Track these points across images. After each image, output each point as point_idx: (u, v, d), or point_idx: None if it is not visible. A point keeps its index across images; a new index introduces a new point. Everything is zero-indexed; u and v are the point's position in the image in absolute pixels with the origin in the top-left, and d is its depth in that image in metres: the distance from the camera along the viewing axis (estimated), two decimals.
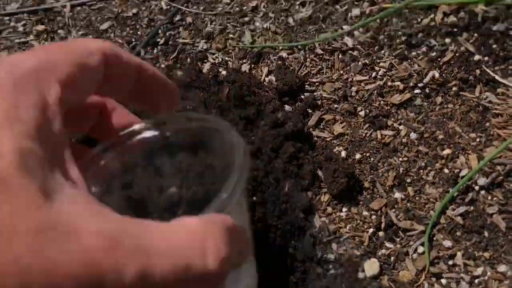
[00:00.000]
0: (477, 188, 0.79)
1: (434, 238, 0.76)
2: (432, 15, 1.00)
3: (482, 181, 0.79)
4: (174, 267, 0.24)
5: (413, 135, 0.86)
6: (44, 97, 0.26)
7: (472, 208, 0.78)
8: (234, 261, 0.26)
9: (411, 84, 0.91)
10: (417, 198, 0.80)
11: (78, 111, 0.34)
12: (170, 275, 0.23)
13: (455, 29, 0.97)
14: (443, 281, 0.73)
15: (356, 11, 1.04)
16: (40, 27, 1.17)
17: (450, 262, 0.74)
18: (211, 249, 0.25)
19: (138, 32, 1.11)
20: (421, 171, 0.82)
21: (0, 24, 1.21)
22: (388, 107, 0.90)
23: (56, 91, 0.27)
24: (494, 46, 0.94)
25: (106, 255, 0.22)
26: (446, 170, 0.82)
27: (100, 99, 0.37)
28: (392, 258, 0.75)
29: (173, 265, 0.24)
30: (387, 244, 0.76)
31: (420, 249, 0.75)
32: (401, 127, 0.87)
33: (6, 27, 1.20)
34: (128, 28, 1.12)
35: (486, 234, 0.76)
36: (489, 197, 0.78)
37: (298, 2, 1.09)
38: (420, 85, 0.91)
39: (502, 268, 0.73)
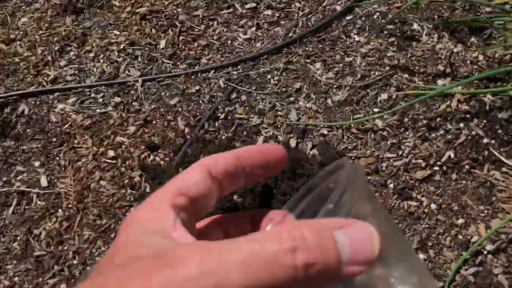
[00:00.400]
0: (485, 252, 0.99)
1: None
2: (448, 102, 1.21)
3: (489, 247, 0.99)
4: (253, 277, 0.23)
5: (433, 206, 1.06)
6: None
7: (481, 268, 0.97)
8: (330, 266, 0.24)
9: (431, 162, 1.12)
10: (436, 259, 1.00)
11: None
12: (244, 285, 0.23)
13: (467, 115, 1.18)
14: None
15: (384, 96, 1.26)
16: (117, 99, 1.40)
17: None
18: (298, 252, 0.23)
19: (201, 107, 1.34)
20: (440, 236, 1.02)
21: (81, 95, 1.44)
22: (413, 181, 1.10)
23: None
24: (500, 131, 1.14)
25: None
26: (460, 236, 1.01)
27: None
28: None
29: (251, 274, 0.23)
30: None
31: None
32: (423, 198, 1.07)
33: (87, 97, 1.43)
34: (192, 103, 1.35)
35: None
36: (495, 260, 0.98)
37: (335, 86, 1.31)
38: (438, 163, 1.12)
39: None
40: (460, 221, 1.03)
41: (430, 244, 1.01)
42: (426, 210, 1.06)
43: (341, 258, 0.24)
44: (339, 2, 1.49)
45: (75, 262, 1.15)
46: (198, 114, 1.32)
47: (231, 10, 1.57)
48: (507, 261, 0.97)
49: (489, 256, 0.98)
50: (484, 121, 1.17)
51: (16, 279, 1.14)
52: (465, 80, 1.21)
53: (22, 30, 1.67)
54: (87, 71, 1.50)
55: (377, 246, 0.26)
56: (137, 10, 1.62)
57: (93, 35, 1.59)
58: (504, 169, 1.09)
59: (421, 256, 1.00)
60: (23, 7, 1.75)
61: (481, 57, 1.27)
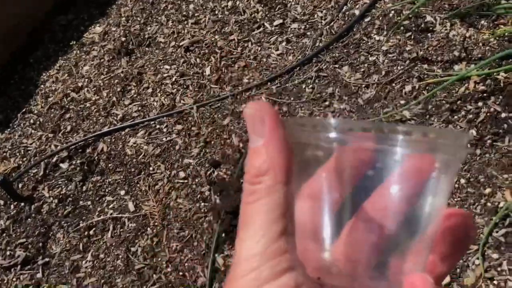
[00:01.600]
0: None
1: (485, 253, 1.12)
2: (466, 85, 1.36)
3: None
4: None
5: (462, 181, 1.22)
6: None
7: (510, 229, 1.13)
8: None
9: None
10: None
11: None
12: None
13: (484, 94, 1.33)
14: (495, 282, 1.08)
15: (408, 87, 1.41)
16: (179, 127, 1.63)
17: (499, 269, 1.10)
18: None
19: None
20: (471, 206, 1.18)
21: (148, 127, 1.68)
22: None
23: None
24: None
25: None
26: (489, 204, 1.17)
27: None
28: (458, 270, 1.11)
29: None
30: None
31: (477, 262, 1.11)
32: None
33: (153, 129, 1.67)
34: (242, 121, 1.55)
35: None
36: None
37: (363, 85, 1.48)
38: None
39: None
40: (488, 190, 1.19)
41: None
42: (456, 185, 1.22)
43: None
44: (357, 6, 1.65)
45: (169, 269, 1.39)
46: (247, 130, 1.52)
47: (261, 29, 1.76)
48: None
49: None
50: (500, 97, 1.31)
51: None
52: (483, 62, 1.35)
53: (86, 77, 1.93)
54: (148, 105, 1.74)
55: None
56: (181, 44, 1.85)
57: (147, 72, 1.83)
58: None
59: None
60: (83, 56, 2.01)
61: (491, 38, 1.40)
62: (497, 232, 1.13)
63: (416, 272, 0.30)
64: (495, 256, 1.11)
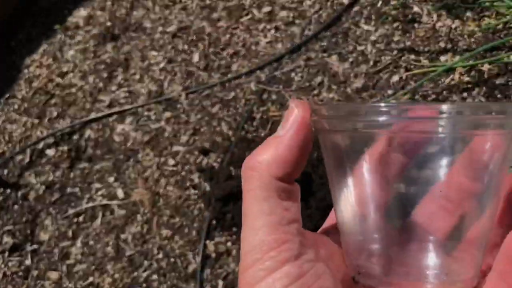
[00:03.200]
0: None
1: None
2: (452, 76, 1.39)
3: None
4: None
5: None
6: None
7: None
8: None
9: None
10: None
11: None
12: None
13: (469, 85, 1.36)
14: None
15: (396, 78, 1.44)
16: (167, 114, 1.63)
17: None
18: None
19: (239, 110, 1.55)
20: None
21: (136, 114, 1.68)
22: None
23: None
24: (499, 95, 1.32)
25: None
26: None
27: None
28: None
29: None
30: None
31: None
32: None
33: (141, 116, 1.67)
34: (231, 108, 1.57)
35: None
36: None
37: (352, 75, 1.50)
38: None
39: None
40: None
41: None
42: None
43: None
44: None
45: (160, 256, 1.41)
46: (237, 117, 1.54)
47: (249, 16, 1.76)
48: None
49: None
50: (484, 88, 1.34)
51: (116, 275, 1.41)
52: (468, 54, 1.38)
53: (72, 62, 1.91)
54: (136, 92, 1.73)
55: None
56: (168, 30, 1.84)
57: (134, 58, 1.82)
58: None
59: None
60: (68, 41, 1.99)
61: (477, 30, 1.44)
62: None
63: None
64: None
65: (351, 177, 0.32)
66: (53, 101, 1.83)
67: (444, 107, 0.28)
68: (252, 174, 0.32)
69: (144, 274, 1.40)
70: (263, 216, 0.32)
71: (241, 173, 0.34)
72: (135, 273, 1.40)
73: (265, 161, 0.32)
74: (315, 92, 1.51)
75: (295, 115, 0.33)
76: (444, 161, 0.29)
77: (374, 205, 0.31)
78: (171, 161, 1.54)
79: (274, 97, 1.55)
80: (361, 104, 0.31)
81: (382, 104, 0.29)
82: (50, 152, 1.70)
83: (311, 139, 0.33)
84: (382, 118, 0.29)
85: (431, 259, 0.30)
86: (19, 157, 1.71)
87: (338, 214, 0.33)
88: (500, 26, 1.42)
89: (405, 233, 0.31)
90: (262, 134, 1.48)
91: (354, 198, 0.32)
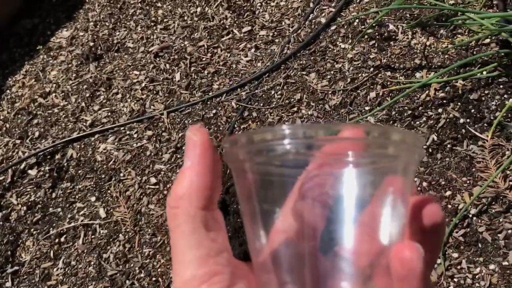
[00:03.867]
0: (470, 215, 1.21)
1: (446, 253, 1.18)
2: (427, 91, 1.43)
3: (473, 211, 1.21)
4: None
5: (424, 184, 1.28)
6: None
7: (468, 229, 1.20)
8: None
9: None
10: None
11: None
12: None
13: (444, 101, 1.39)
14: (455, 279, 1.15)
15: (372, 94, 1.47)
16: (149, 132, 1.64)
17: (458, 267, 1.16)
18: None
19: (220, 128, 1.57)
20: None
21: (118, 133, 1.69)
22: None
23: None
24: (473, 110, 1.35)
25: None
26: (449, 206, 1.24)
27: None
28: None
29: None
30: None
31: (438, 261, 1.18)
32: (415, 179, 1.29)
33: (123, 135, 1.68)
34: (213, 126, 1.58)
35: (479, 245, 1.17)
36: (479, 221, 1.20)
37: (330, 92, 1.53)
38: (424, 146, 1.33)
39: (492, 266, 1.14)
40: (448, 193, 1.25)
41: None
42: (419, 188, 1.28)
43: None
44: (323, 15, 1.70)
45: (142, 275, 1.41)
46: (219, 134, 1.55)
47: (230, 36, 1.79)
48: (489, 220, 1.19)
49: (474, 218, 1.21)
50: (459, 103, 1.38)
51: None
52: (442, 70, 1.41)
53: (54, 83, 1.92)
54: (118, 111, 1.74)
55: None
56: (150, 49, 1.86)
57: (117, 77, 1.83)
58: (480, 143, 1.31)
59: None
60: (51, 61, 2.00)
61: (450, 47, 1.47)
62: (457, 232, 1.20)
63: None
64: (455, 255, 1.17)
65: (269, 215, 0.32)
66: (35, 121, 1.83)
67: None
68: (176, 212, 0.32)
69: None
70: (191, 250, 0.31)
71: (166, 212, 0.34)
72: None
73: (185, 195, 0.32)
74: (295, 109, 1.53)
75: (194, 143, 0.33)
76: (358, 189, 0.30)
77: (298, 250, 0.31)
78: (153, 180, 1.55)
79: (254, 114, 1.56)
80: (273, 135, 0.29)
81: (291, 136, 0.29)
82: (32, 172, 1.70)
83: (218, 159, 0.33)
84: (296, 158, 0.29)
85: None
86: (1, 177, 1.71)
87: (255, 259, 0.32)
88: (473, 43, 1.46)
89: (333, 274, 0.31)
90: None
91: (277, 245, 0.32)
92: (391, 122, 1.41)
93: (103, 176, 1.62)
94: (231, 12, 1.85)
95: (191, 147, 0.33)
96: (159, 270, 1.40)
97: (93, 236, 1.52)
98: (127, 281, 1.41)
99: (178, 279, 0.32)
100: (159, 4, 2.00)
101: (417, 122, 1.39)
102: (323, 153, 0.29)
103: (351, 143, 0.29)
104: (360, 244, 0.30)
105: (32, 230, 1.58)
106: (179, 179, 0.33)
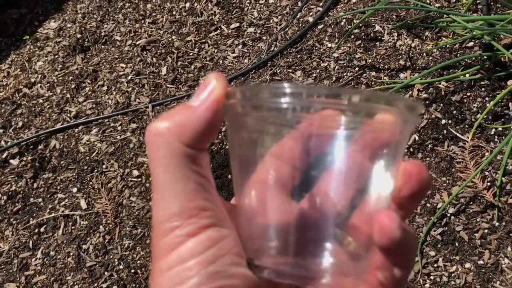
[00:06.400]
0: (448, 215, 1.22)
1: (424, 251, 1.19)
2: (410, 92, 1.44)
3: (451, 210, 1.22)
4: None
5: None
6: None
7: (446, 228, 1.21)
8: None
9: None
10: (410, 225, 1.23)
11: None
12: None
13: (427, 102, 1.41)
14: (432, 277, 1.16)
15: None
16: (133, 125, 1.64)
17: (435, 265, 1.17)
18: None
19: None
20: None
21: (102, 125, 1.68)
22: None
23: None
24: (454, 112, 1.37)
25: None
26: (428, 205, 1.25)
27: None
28: None
29: None
30: None
31: (416, 259, 1.19)
32: None
33: (107, 127, 1.67)
34: None
35: (456, 244, 1.19)
36: (457, 220, 1.21)
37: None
38: (406, 146, 1.34)
39: (468, 265, 1.16)
40: (427, 192, 1.26)
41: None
42: None
43: None
44: (311, 14, 1.71)
45: (121, 267, 1.40)
46: None
47: (218, 32, 1.79)
48: (466, 219, 1.21)
49: (452, 217, 1.22)
50: (441, 105, 1.39)
51: (76, 287, 1.40)
52: (426, 71, 1.43)
53: (40, 73, 1.91)
54: (103, 103, 1.74)
55: None
56: (137, 42, 1.85)
57: (103, 70, 1.83)
58: (460, 144, 1.32)
59: None
60: (37, 52, 1.99)
61: (434, 49, 1.49)
62: (434, 231, 1.21)
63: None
64: (432, 253, 1.19)
65: (257, 162, 0.32)
66: (19, 111, 1.82)
67: (344, 98, 0.29)
68: (158, 140, 0.31)
69: (104, 285, 1.39)
70: (178, 183, 0.30)
71: (145, 138, 0.31)
72: (95, 284, 1.39)
73: (173, 127, 0.31)
74: None
75: (213, 88, 0.31)
76: (344, 145, 0.30)
77: (277, 187, 0.32)
78: (136, 172, 1.54)
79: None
80: (271, 88, 0.29)
81: (289, 91, 0.29)
82: (14, 162, 1.69)
83: (222, 117, 0.32)
84: (292, 111, 0.30)
85: (327, 252, 0.30)
86: None
87: (240, 199, 0.33)
88: (457, 46, 1.48)
89: (307, 211, 0.31)
90: (227, 147, 1.49)
91: (258, 181, 0.32)
92: None
93: (85, 167, 1.61)
94: (219, 8, 1.85)
95: (207, 90, 0.31)
96: (138, 262, 1.40)
97: (73, 227, 1.51)
98: (106, 273, 1.40)
99: (161, 213, 0.30)
100: None
101: None
102: (319, 114, 0.29)
103: (346, 108, 0.29)
104: (337, 190, 0.30)
105: (12, 219, 1.57)
106: (175, 111, 0.31)
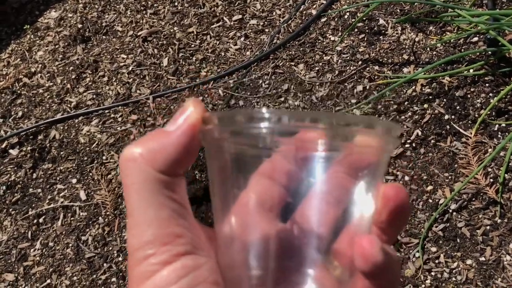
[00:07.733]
0: (450, 211, 1.22)
1: (425, 247, 1.19)
2: (413, 87, 1.43)
3: (453, 206, 1.22)
4: None
5: (406, 178, 1.28)
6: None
7: (448, 224, 1.20)
8: None
9: (402, 140, 1.34)
10: (412, 220, 1.23)
11: None
12: None
13: (430, 97, 1.40)
14: (433, 273, 1.15)
15: (359, 87, 1.47)
16: (134, 117, 1.63)
17: (436, 261, 1.17)
18: None
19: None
20: (414, 202, 1.25)
21: (102, 116, 1.67)
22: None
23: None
24: (458, 107, 1.36)
25: None
26: (430, 200, 1.24)
27: None
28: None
29: None
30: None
31: (417, 255, 1.18)
32: (398, 172, 1.30)
33: (107, 118, 1.66)
34: None
35: (458, 240, 1.18)
36: (459, 216, 1.21)
37: (317, 84, 1.52)
38: (408, 141, 1.34)
39: (469, 261, 1.15)
40: (429, 187, 1.26)
41: None
42: (401, 182, 1.28)
43: None
44: (314, 6, 1.70)
45: (120, 259, 1.40)
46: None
47: (220, 23, 1.78)
48: (468, 215, 1.20)
49: (454, 213, 1.21)
50: (444, 100, 1.38)
51: (74, 278, 1.39)
52: (429, 66, 1.42)
53: (40, 63, 1.89)
54: (104, 94, 1.72)
55: None
56: (139, 33, 1.84)
57: (104, 60, 1.81)
58: (463, 139, 1.31)
59: None
60: (37, 41, 1.97)
61: (438, 44, 1.48)
62: (436, 227, 1.20)
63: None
64: (433, 249, 1.18)
65: (235, 186, 0.32)
66: (19, 100, 1.81)
67: (324, 122, 0.29)
68: (130, 166, 0.30)
69: (103, 277, 1.38)
70: (151, 210, 0.30)
71: (119, 163, 0.31)
72: (94, 276, 1.39)
73: (146, 153, 0.30)
74: (282, 99, 1.53)
75: (190, 114, 0.31)
76: (325, 167, 0.30)
77: (263, 209, 0.31)
78: None
79: (241, 103, 1.56)
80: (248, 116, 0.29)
81: (267, 116, 0.29)
82: (13, 152, 1.68)
83: (199, 144, 0.31)
84: (269, 139, 0.29)
85: (309, 279, 0.30)
86: None
87: (219, 226, 0.32)
88: (461, 41, 1.46)
89: (289, 236, 0.31)
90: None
91: (239, 205, 0.31)
92: (377, 115, 1.41)
93: (85, 158, 1.60)
94: (222, 0, 1.84)
95: (183, 116, 0.31)
96: None
97: (72, 218, 1.50)
98: (105, 264, 1.39)
99: (135, 241, 0.29)
100: None
101: (402, 117, 1.39)
102: (297, 138, 0.29)
103: (325, 132, 0.29)
104: (320, 213, 0.30)
105: (11, 210, 1.56)
106: (150, 136, 0.31)
